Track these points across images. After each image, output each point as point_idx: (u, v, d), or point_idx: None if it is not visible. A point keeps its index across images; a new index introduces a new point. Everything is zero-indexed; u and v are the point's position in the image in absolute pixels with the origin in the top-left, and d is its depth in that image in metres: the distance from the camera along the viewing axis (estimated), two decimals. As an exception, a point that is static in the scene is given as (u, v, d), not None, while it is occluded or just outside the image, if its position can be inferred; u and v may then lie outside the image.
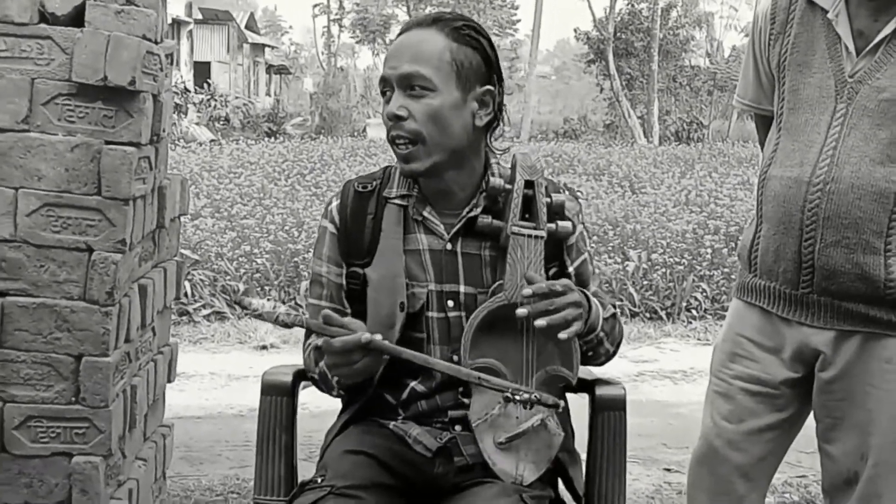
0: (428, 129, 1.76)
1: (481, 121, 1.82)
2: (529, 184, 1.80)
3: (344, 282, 1.89)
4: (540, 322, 1.68)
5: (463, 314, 1.81)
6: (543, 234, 1.78)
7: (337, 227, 1.90)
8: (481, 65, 1.81)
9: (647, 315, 7.18)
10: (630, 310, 7.12)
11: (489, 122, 1.84)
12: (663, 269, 7.45)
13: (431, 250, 1.84)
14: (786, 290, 1.92)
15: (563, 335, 1.69)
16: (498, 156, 1.91)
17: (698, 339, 6.70)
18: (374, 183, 1.90)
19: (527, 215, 1.80)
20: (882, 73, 1.80)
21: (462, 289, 1.82)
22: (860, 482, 1.91)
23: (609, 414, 1.94)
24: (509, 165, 1.85)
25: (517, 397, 1.68)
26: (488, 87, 1.82)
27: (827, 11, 1.87)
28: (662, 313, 7.18)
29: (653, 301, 7.27)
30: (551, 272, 1.85)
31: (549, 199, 1.81)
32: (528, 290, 1.70)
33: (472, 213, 1.83)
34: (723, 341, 2.08)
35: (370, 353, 1.67)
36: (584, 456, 1.94)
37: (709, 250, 7.76)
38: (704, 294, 7.32)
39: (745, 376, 2.01)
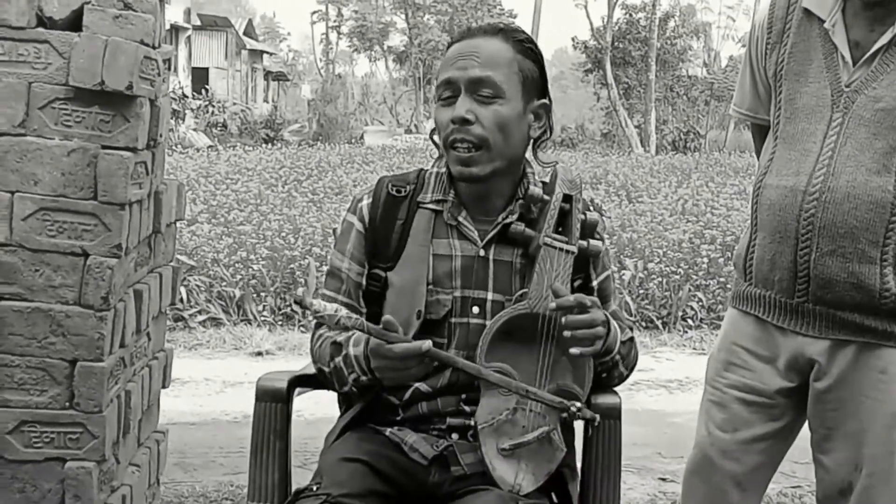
0: (494, 137, 1.77)
1: (535, 133, 1.84)
2: (567, 198, 1.81)
3: (364, 281, 1.89)
4: (574, 350, 1.69)
5: (486, 322, 1.79)
6: (574, 249, 1.79)
7: (365, 226, 1.89)
8: (540, 78, 1.84)
9: (643, 324, 7.18)
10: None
11: (539, 134, 1.86)
12: (659, 279, 7.45)
13: (464, 256, 1.83)
14: (781, 299, 1.92)
15: (574, 351, 1.70)
16: (542, 168, 1.91)
17: (694, 349, 6.71)
18: (408, 188, 1.90)
19: (560, 228, 1.80)
20: (878, 83, 1.80)
21: (490, 296, 1.82)
22: (854, 493, 1.90)
23: (604, 422, 1.92)
24: (543, 177, 1.86)
25: (569, 411, 1.69)
26: (544, 100, 1.85)
27: (824, 21, 1.87)
28: (658, 322, 7.18)
29: (649, 310, 7.27)
30: (576, 284, 1.85)
31: (583, 216, 1.82)
32: (553, 304, 1.71)
33: (507, 220, 1.83)
34: (718, 350, 2.08)
35: (424, 361, 1.68)
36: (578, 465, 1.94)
37: (705, 260, 7.77)
38: (700, 303, 7.32)
39: (740, 385, 2.00)
